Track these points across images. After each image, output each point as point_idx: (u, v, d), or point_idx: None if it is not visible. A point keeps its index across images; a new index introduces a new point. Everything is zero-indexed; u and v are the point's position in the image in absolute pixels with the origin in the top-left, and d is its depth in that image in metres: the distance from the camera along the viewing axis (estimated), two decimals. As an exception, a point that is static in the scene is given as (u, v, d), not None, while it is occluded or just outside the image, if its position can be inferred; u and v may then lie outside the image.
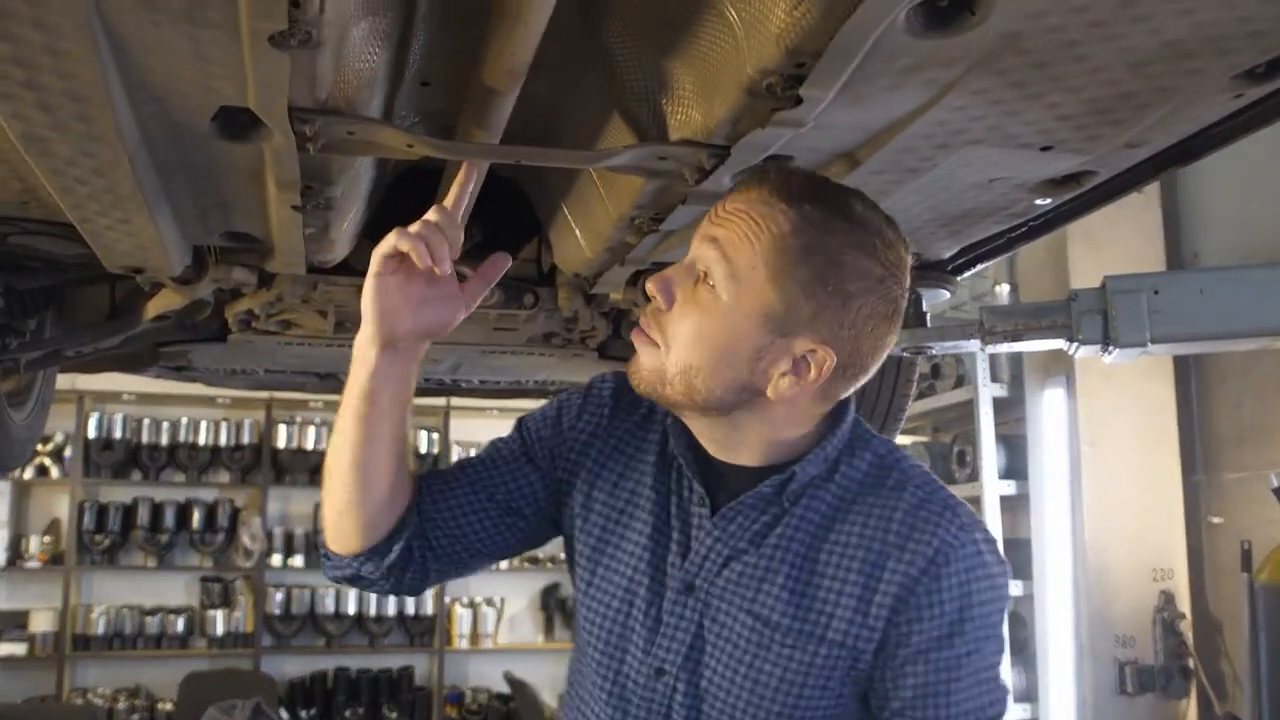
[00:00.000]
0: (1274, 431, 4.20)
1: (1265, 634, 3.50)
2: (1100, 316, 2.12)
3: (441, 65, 1.67)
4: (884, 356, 1.33)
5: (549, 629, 8.30)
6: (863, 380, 1.33)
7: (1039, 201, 1.78)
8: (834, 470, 1.33)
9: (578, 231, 2.08)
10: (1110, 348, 2.13)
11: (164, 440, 7.77)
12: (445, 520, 1.43)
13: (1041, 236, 1.99)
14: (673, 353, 1.27)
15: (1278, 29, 1.22)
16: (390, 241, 1.28)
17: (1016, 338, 2.20)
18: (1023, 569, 4.80)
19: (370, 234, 2.25)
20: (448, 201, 1.34)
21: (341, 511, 1.38)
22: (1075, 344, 2.16)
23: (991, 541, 1.32)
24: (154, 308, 2.37)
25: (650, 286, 1.29)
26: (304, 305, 2.45)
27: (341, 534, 1.40)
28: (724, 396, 1.27)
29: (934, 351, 2.28)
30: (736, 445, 1.33)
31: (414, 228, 1.27)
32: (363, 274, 2.39)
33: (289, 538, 7.93)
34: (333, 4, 1.19)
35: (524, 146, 1.65)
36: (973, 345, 2.25)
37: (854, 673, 1.29)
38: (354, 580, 1.44)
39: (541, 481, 1.46)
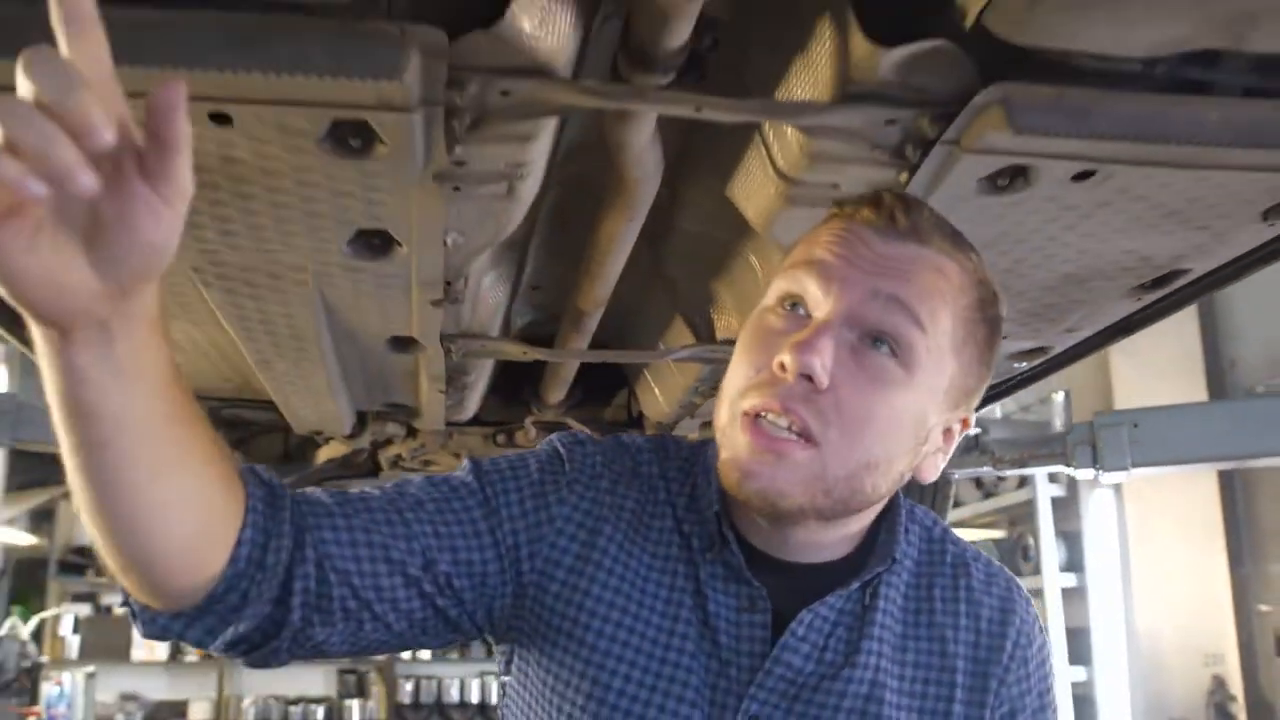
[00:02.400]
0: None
1: (1300, 714, 3.76)
2: (1090, 447, 2.52)
3: (548, 275, 2.19)
4: None
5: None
6: None
7: (1016, 365, 2.21)
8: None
9: (656, 390, 2.57)
10: (1099, 471, 2.53)
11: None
12: (359, 575, 0.98)
13: (1028, 387, 2.42)
14: (840, 449, 0.94)
15: (1152, 262, 1.65)
16: None
17: (1023, 464, 2.61)
18: (1084, 656, 5.08)
19: (493, 389, 2.78)
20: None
21: (136, 556, 0.86)
22: (1071, 468, 2.57)
23: None
24: (324, 454, 2.93)
25: (801, 359, 0.92)
26: (441, 449, 2.98)
27: (152, 584, 0.89)
28: (885, 493, 1.02)
29: (956, 476, 2.70)
30: (825, 545, 1.05)
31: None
32: (488, 423, 2.93)
33: (417, 632, 8.45)
34: (473, 275, 1.72)
35: (610, 351, 2.15)
36: (987, 470, 2.66)
37: None
38: (193, 639, 0.95)
39: (498, 565, 1.05)
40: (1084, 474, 2.57)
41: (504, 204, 1.37)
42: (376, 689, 8.34)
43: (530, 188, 1.36)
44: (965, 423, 1.06)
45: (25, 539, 7.20)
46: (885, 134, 1.19)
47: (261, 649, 0.96)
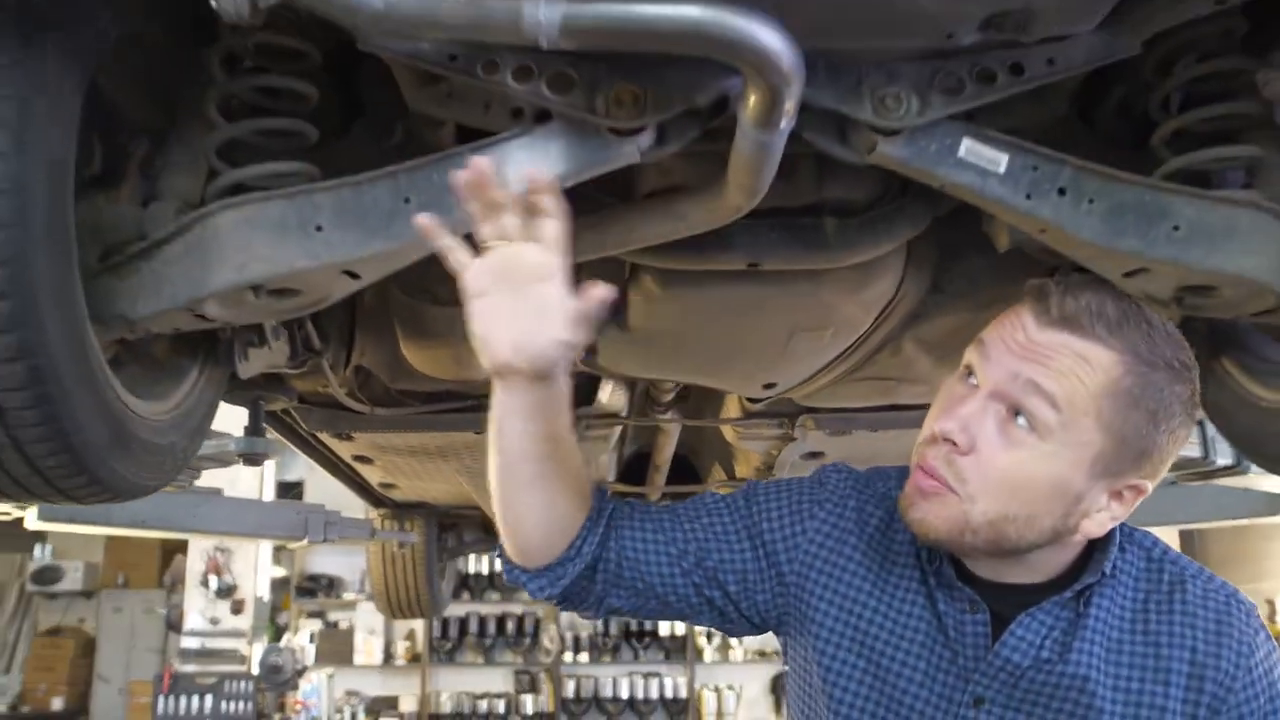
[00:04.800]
0: (1238, 559, 5.50)
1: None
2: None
3: (641, 434, 3.57)
4: None
5: (777, 708, 9.87)
6: None
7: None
8: (1113, 569, 1.19)
9: (716, 494, 3.92)
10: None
11: (485, 569, 9.95)
12: (645, 565, 1.24)
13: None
14: (979, 501, 1.08)
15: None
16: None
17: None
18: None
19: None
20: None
21: (512, 530, 1.22)
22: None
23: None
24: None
25: (943, 427, 1.09)
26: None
27: (517, 549, 1.23)
28: (1036, 541, 1.12)
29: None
30: (1017, 573, 1.17)
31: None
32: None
33: (577, 640, 10.00)
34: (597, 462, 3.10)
35: (677, 485, 3.52)
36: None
37: None
38: (531, 591, 1.26)
39: (756, 564, 1.25)
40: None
41: (605, 441, 2.76)
42: (546, 686, 9.82)
43: (615, 437, 2.74)
44: (1138, 488, 1.12)
45: (276, 571, 8.93)
46: (771, 425, 2.54)
47: (577, 604, 1.26)
